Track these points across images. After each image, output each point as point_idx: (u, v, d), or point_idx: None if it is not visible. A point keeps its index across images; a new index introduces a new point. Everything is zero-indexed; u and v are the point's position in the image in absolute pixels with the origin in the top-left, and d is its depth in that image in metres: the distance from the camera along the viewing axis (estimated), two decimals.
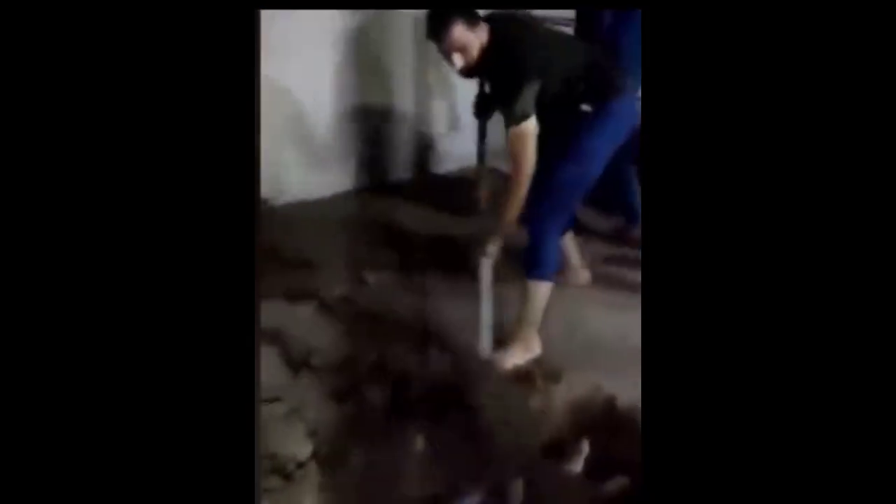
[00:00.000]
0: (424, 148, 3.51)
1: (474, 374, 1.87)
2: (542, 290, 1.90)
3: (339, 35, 3.02)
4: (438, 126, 3.49)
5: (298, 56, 2.84)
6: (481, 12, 1.78)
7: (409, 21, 3.15)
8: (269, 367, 1.87)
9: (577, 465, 1.53)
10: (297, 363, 1.91)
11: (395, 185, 3.35)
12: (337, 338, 2.06)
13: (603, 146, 1.82)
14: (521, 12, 1.98)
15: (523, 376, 1.87)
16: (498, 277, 1.93)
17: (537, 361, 1.93)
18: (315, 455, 1.56)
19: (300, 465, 1.52)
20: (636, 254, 2.38)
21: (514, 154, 1.73)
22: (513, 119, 1.69)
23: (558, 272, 1.99)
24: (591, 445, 1.57)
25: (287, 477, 1.49)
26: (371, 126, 3.26)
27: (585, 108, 1.80)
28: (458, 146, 3.56)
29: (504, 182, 1.87)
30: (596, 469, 1.52)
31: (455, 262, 2.42)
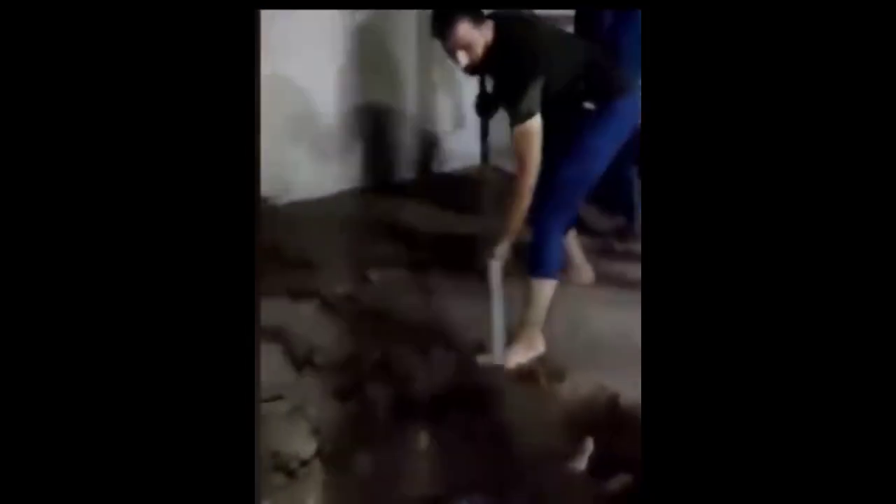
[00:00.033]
0: (428, 147, 3.51)
1: (478, 372, 1.87)
2: (545, 289, 1.90)
3: (343, 33, 3.02)
4: (443, 124, 3.49)
5: (301, 55, 2.85)
6: (485, 11, 1.78)
7: (413, 19, 3.15)
8: (273, 366, 1.87)
9: (582, 464, 1.53)
10: (300, 361, 1.91)
11: (398, 184, 3.36)
12: (340, 336, 2.06)
13: (606, 145, 1.82)
14: (525, 11, 1.98)
15: (527, 375, 1.87)
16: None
17: (541, 360, 1.92)
18: (318, 453, 1.56)
19: (303, 463, 1.53)
20: (638, 252, 2.37)
21: (519, 152, 1.72)
22: (518, 117, 1.69)
23: (562, 270, 1.99)
24: (595, 444, 1.57)
25: (290, 475, 1.49)
26: (375, 125, 3.27)
27: (589, 106, 1.80)
28: (462, 145, 3.56)
29: (508, 181, 1.86)
30: (600, 467, 1.52)
31: (459, 260, 2.42)
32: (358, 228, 2.83)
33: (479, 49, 1.73)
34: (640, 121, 1.77)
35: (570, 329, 2.05)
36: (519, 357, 1.91)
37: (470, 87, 2.99)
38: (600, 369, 1.82)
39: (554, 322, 1.97)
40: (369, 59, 3.12)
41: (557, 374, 1.85)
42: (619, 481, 1.46)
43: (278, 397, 1.72)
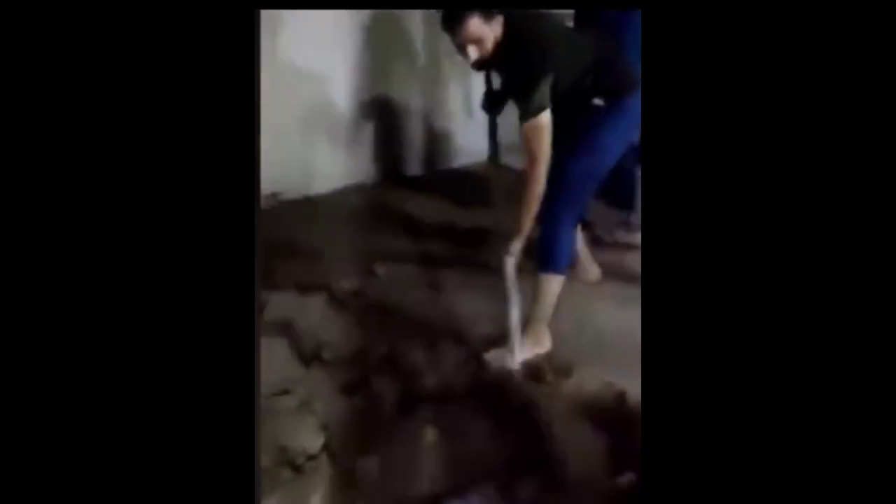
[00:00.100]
0: (438, 142, 3.51)
1: (485, 368, 1.87)
2: (554, 285, 1.89)
3: (352, 29, 3.02)
4: (454, 116, 3.48)
5: (306, 52, 2.85)
6: None
7: (421, 13, 3.15)
8: (280, 361, 1.88)
9: (588, 460, 1.53)
10: (308, 356, 1.92)
11: (408, 179, 3.36)
12: (348, 331, 2.07)
13: (616, 142, 1.82)
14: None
15: (533, 371, 1.87)
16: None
17: (547, 356, 1.92)
18: (325, 448, 1.57)
19: (311, 458, 1.54)
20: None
21: (529, 148, 1.71)
22: (529, 112, 1.68)
23: (569, 268, 1.98)
24: (602, 440, 1.56)
25: (297, 469, 1.50)
26: (384, 120, 3.27)
27: (598, 102, 1.79)
28: (471, 140, 3.55)
29: (516, 178, 1.86)
30: (607, 464, 1.52)
31: (467, 255, 2.41)
32: (366, 223, 2.84)
33: (489, 44, 1.72)
34: None
35: (577, 326, 2.05)
36: (525, 353, 1.91)
37: (481, 78, 2.98)
38: (607, 366, 1.81)
39: (561, 319, 1.97)
40: (379, 54, 3.12)
41: (564, 371, 1.85)
42: (626, 479, 1.46)
43: (285, 392, 1.73)
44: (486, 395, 1.76)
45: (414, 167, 3.44)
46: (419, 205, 3.02)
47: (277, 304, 2.15)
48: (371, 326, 2.09)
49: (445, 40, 1.79)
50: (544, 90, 1.68)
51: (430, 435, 1.60)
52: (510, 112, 1.80)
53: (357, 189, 3.21)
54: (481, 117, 3.40)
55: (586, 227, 2.38)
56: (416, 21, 3.17)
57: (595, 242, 2.49)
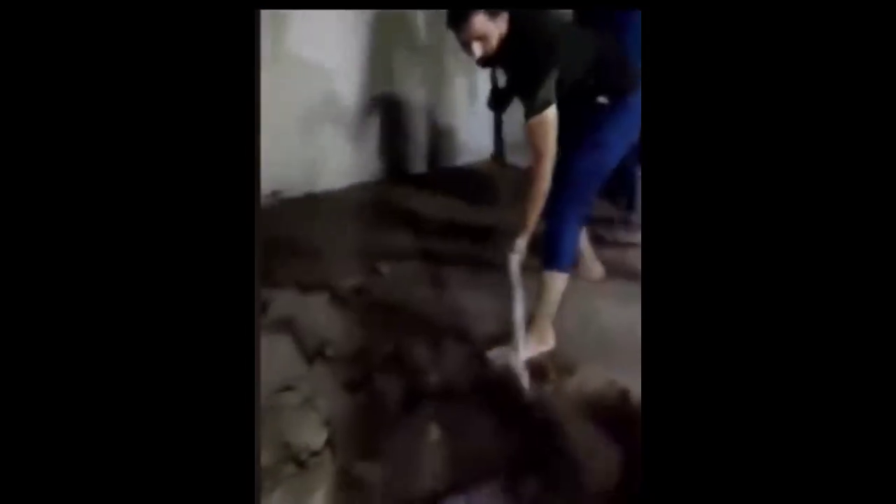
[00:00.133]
0: (442, 139, 3.51)
1: (489, 365, 1.88)
2: (558, 282, 1.89)
3: (357, 26, 3.02)
4: (459, 114, 3.48)
5: (311, 49, 2.85)
6: None
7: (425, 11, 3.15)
8: (284, 357, 1.89)
9: (591, 458, 1.53)
10: (311, 353, 1.93)
11: (412, 176, 3.36)
12: (351, 328, 2.07)
13: (619, 140, 1.82)
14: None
15: (537, 369, 1.87)
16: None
17: (551, 354, 1.92)
18: (328, 444, 1.58)
19: (314, 454, 1.54)
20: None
21: (535, 144, 1.71)
22: (535, 107, 1.67)
23: (573, 266, 1.98)
24: (605, 438, 1.56)
25: (301, 466, 1.51)
26: (389, 117, 3.27)
27: (602, 100, 1.79)
28: (475, 138, 3.55)
29: (522, 175, 1.85)
30: (609, 462, 1.52)
31: (471, 253, 2.41)
32: (370, 220, 2.84)
33: (494, 41, 1.72)
34: None
35: (581, 323, 2.04)
36: (529, 351, 1.91)
37: (485, 76, 2.98)
38: (610, 364, 1.81)
39: (564, 317, 1.97)
40: (384, 52, 3.12)
41: (567, 369, 1.85)
42: (628, 477, 1.46)
43: (288, 388, 1.73)
44: (489, 392, 1.76)
45: (418, 164, 3.44)
46: (423, 202, 3.02)
47: (281, 301, 2.16)
48: (375, 324, 2.09)
49: (450, 37, 1.79)
50: (549, 86, 1.67)
51: (433, 432, 1.61)
52: (515, 110, 1.79)
53: (361, 186, 3.21)
54: (486, 114, 3.40)
55: (590, 224, 2.37)
56: (421, 18, 3.17)
57: (597, 240, 2.49)
